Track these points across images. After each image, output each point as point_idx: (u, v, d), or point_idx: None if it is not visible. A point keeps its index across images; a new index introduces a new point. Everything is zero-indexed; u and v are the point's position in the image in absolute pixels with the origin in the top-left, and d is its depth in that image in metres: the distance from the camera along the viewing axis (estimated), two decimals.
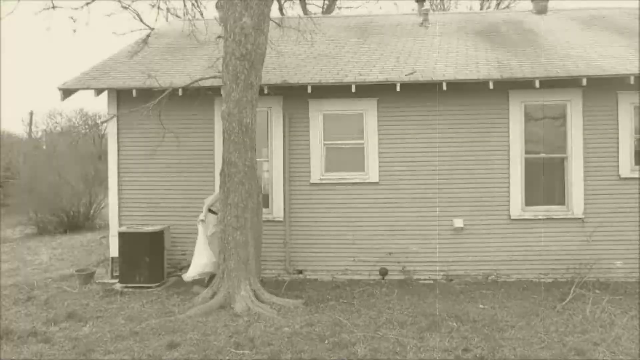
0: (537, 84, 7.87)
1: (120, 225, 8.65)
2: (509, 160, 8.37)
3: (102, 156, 18.63)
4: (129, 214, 8.82)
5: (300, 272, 8.65)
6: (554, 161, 8.47)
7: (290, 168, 8.70)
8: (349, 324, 6.10)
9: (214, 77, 7.94)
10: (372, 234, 8.55)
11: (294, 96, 8.59)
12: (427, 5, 11.73)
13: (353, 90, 8.18)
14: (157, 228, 8.25)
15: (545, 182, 8.51)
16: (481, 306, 6.83)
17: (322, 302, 7.07)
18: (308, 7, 20.01)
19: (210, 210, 8.03)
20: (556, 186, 8.47)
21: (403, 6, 39.80)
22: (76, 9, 8.62)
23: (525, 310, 6.59)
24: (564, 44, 9.38)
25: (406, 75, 8.26)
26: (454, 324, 6.06)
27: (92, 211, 16.27)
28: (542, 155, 8.47)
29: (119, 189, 8.85)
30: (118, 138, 8.87)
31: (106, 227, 10.67)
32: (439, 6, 22.46)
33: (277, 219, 8.67)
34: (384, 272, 8.45)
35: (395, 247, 8.50)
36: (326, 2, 20.97)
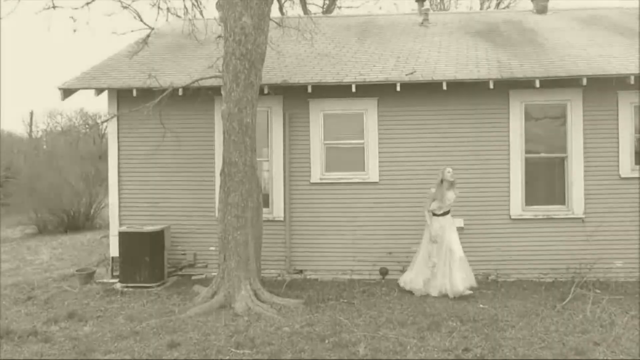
0: (537, 84, 7.87)
1: (121, 225, 8.64)
2: (509, 160, 8.37)
3: (102, 156, 18.65)
4: (129, 214, 8.82)
5: (301, 271, 8.65)
6: (554, 161, 8.47)
7: (291, 168, 8.70)
8: (349, 323, 6.10)
9: (214, 76, 7.94)
10: (372, 234, 8.55)
11: (294, 96, 8.59)
12: (427, 4, 11.74)
13: (353, 90, 8.18)
14: (157, 228, 8.24)
15: (546, 182, 8.51)
16: (481, 306, 6.82)
17: (323, 301, 7.06)
18: (308, 6, 20.03)
19: (433, 214, 7.52)
20: (556, 186, 8.47)
21: (403, 6, 39.74)
22: (76, 8, 8.62)
23: (525, 309, 6.59)
24: (564, 43, 9.38)
25: (406, 75, 8.26)
26: (454, 323, 6.06)
27: (92, 211, 16.30)
28: (542, 155, 8.47)
29: (119, 189, 8.85)
30: (118, 138, 8.87)
31: (106, 226, 10.67)
32: (439, 6, 22.47)
33: (277, 219, 8.67)
34: (384, 272, 8.45)
35: (395, 247, 8.50)
36: (326, 2, 20.98)
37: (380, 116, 8.57)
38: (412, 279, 7.52)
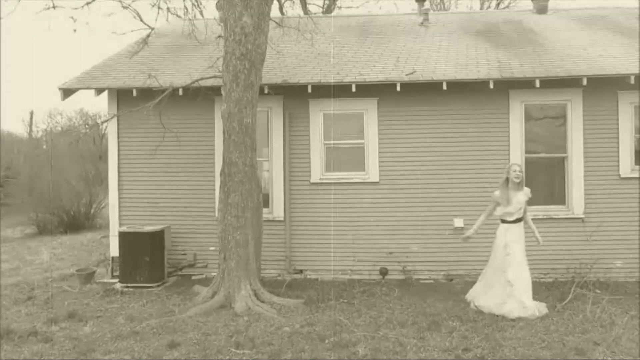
0: (537, 84, 7.87)
1: (121, 225, 8.65)
2: (509, 159, 8.36)
3: (103, 156, 18.66)
4: (129, 214, 8.82)
5: (301, 271, 8.65)
6: (554, 161, 8.47)
7: (291, 168, 8.70)
8: (349, 323, 6.10)
9: (214, 76, 7.94)
10: (373, 234, 8.54)
11: (294, 96, 8.59)
12: (427, 5, 11.74)
13: (353, 90, 8.18)
14: (157, 228, 8.24)
15: (546, 182, 8.51)
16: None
17: (323, 301, 7.06)
18: (308, 6, 20.03)
19: (502, 220, 6.56)
20: (556, 186, 8.47)
21: (403, 6, 39.82)
22: (76, 9, 8.63)
23: None
24: (564, 43, 9.38)
25: (406, 75, 8.26)
26: (455, 323, 6.06)
27: (92, 211, 16.31)
28: (542, 155, 8.47)
29: (119, 189, 8.85)
30: (118, 138, 8.87)
31: (106, 226, 10.66)
32: (439, 6, 22.49)
33: (277, 219, 8.67)
34: (384, 272, 8.45)
35: (395, 247, 8.50)
36: (326, 2, 20.98)
37: (380, 116, 8.57)
38: (478, 292, 6.70)
